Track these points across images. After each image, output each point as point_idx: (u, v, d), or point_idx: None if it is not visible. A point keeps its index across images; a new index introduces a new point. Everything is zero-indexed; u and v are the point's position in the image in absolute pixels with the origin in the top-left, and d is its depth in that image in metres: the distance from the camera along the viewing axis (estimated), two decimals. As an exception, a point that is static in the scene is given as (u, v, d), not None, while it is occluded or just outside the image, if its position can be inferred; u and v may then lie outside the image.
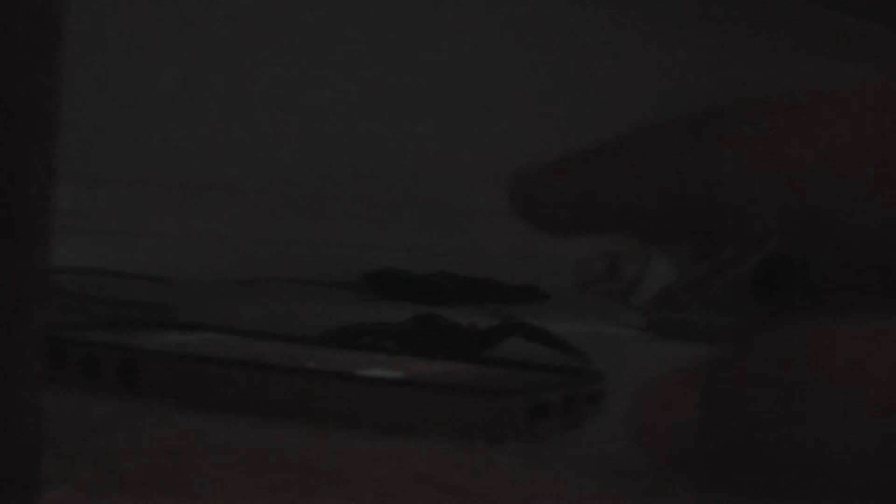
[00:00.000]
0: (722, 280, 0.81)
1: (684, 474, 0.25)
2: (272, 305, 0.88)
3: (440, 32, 1.38)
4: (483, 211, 1.42)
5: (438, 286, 1.04)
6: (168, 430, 0.35)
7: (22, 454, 0.26)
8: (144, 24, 1.13)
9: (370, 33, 1.31)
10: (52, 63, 0.25)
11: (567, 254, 1.48)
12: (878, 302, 0.25)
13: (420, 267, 1.15)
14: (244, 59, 1.20)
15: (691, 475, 0.25)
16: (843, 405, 0.23)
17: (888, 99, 0.25)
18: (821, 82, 0.26)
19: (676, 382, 0.25)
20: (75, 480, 0.29)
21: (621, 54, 1.60)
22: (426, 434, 0.37)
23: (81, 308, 0.69)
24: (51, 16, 0.25)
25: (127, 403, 0.39)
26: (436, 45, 1.38)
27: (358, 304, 0.95)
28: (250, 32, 1.21)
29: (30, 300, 0.25)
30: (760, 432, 0.24)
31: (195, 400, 0.40)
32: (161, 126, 1.15)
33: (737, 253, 0.83)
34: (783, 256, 0.76)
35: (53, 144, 0.26)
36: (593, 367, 0.57)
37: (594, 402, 0.41)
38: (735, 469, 0.24)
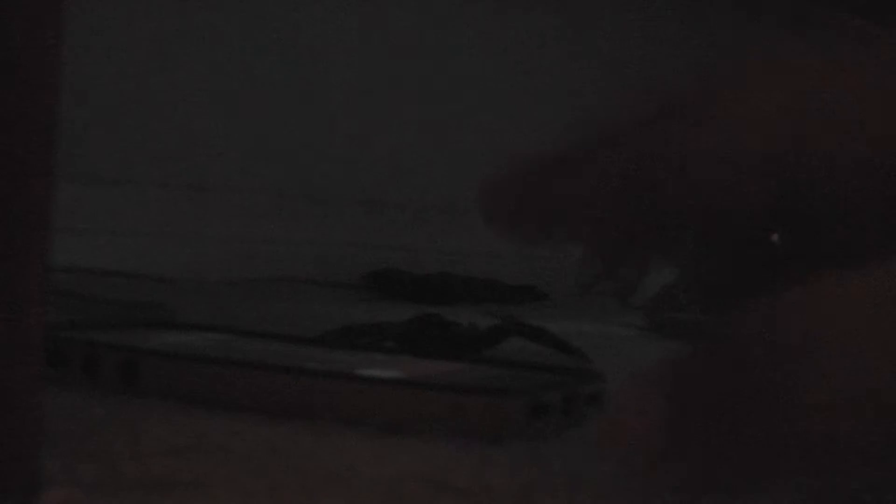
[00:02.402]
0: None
1: (659, 475, 0.25)
2: (272, 305, 0.88)
3: (440, 32, 1.39)
4: (483, 211, 1.42)
5: (438, 286, 1.04)
6: (168, 430, 0.35)
7: (22, 454, 0.26)
8: (144, 23, 1.13)
9: (371, 34, 1.31)
10: (51, 62, 0.25)
11: (567, 254, 1.48)
12: (837, 262, 0.24)
13: (420, 267, 1.15)
14: (244, 59, 1.20)
15: (666, 475, 0.25)
16: (812, 373, 0.22)
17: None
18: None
19: (644, 383, 0.25)
20: (75, 480, 0.29)
21: (621, 55, 1.60)
22: (426, 434, 0.37)
23: (81, 308, 0.69)
24: (51, 15, 0.25)
25: (127, 403, 0.39)
26: (436, 45, 1.38)
27: (358, 304, 0.95)
28: (250, 32, 1.21)
29: (30, 300, 0.25)
30: (731, 418, 0.23)
31: (195, 400, 0.40)
32: (161, 126, 1.15)
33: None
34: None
35: (53, 144, 0.26)
36: (593, 367, 0.57)
37: (594, 402, 0.41)
38: (710, 463, 0.24)
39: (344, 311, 0.85)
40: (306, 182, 1.27)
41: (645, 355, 0.68)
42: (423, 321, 0.61)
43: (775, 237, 0.27)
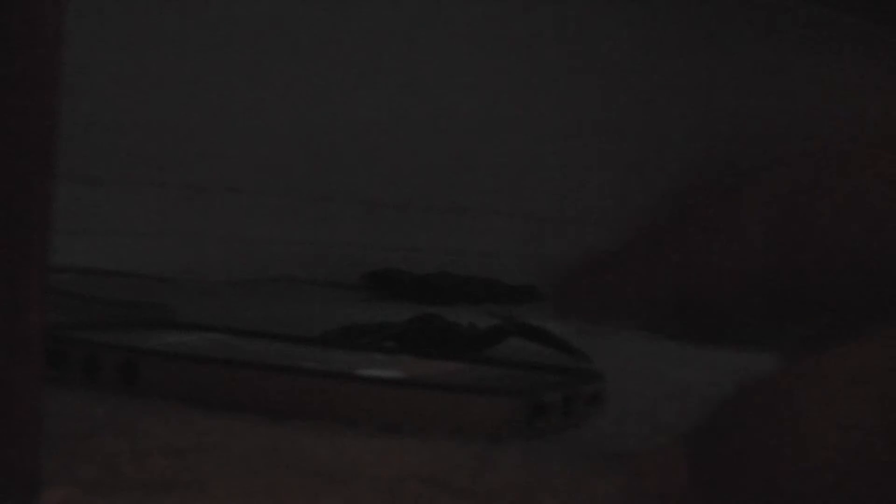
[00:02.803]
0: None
1: None
2: (272, 305, 0.88)
3: (441, 33, 1.39)
4: (483, 211, 1.42)
5: (438, 286, 1.04)
6: (168, 430, 0.35)
7: (22, 454, 0.26)
8: (144, 23, 1.13)
9: (371, 34, 1.31)
10: (52, 63, 0.25)
11: (567, 254, 1.48)
12: (841, 337, 0.25)
13: (420, 267, 1.15)
14: (244, 59, 1.21)
15: None
16: (818, 442, 0.23)
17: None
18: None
19: (665, 453, 0.26)
20: (75, 480, 0.29)
21: (621, 55, 1.60)
22: (426, 434, 0.37)
23: (81, 308, 0.69)
24: (51, 15, 0.25)
25: (127, 403, 0.39)
26: (436, 45, 1.38)
27: (358, 304, 0.95)
28: (251, 33, 1.21)
29: (30, 300, 0.25)
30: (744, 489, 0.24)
31: (195, 400, 0.40)
32: (161, 126, 1.15)
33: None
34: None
35: (53, 144, 0.26)
36: (593, 367, 0.57)
37: (594, 402, 0.41)
38: None
39: (344, 311, 0.85)
40: (306, 182, 1.27)
41: (645, 355, 0.68)
42: (423, 321, 0.61)
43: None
